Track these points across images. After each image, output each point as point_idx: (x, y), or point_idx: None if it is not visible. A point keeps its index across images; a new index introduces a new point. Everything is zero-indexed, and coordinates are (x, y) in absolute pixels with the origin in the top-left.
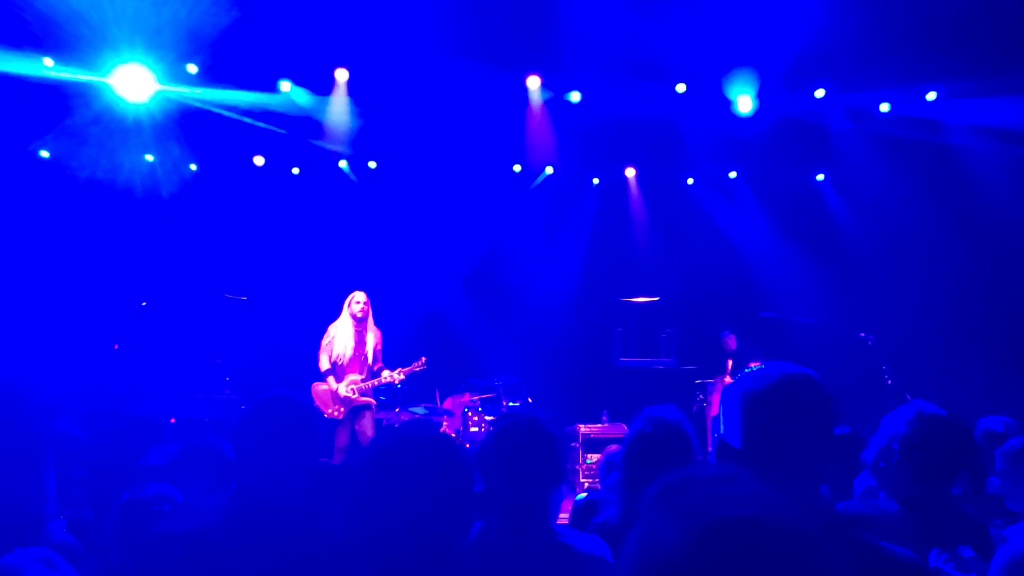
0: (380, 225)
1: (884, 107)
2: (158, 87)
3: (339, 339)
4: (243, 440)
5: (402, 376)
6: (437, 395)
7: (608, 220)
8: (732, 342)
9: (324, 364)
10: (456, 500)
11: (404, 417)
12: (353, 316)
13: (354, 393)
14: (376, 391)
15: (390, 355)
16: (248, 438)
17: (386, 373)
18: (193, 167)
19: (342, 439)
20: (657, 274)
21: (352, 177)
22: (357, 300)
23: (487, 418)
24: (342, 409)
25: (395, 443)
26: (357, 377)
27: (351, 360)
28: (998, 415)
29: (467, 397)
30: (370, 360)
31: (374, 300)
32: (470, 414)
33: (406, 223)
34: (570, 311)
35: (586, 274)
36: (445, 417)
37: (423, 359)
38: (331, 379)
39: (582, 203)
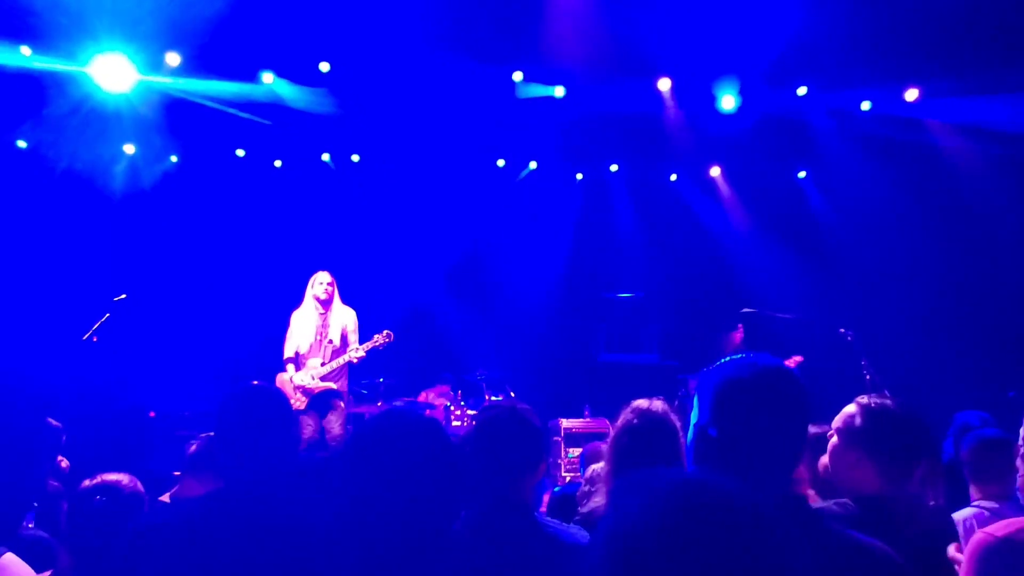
0: (362, 218)
1: (865, 105)
2: (138, 77)
3: (300, 325)
4: (224, 432)
5: (362, 353)
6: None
7: (592, 216)
8: (738, 336)
9: (287, 352)
10: (445, 486)
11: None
12: (316, 299)
13: (312, 379)
14: (361, 386)
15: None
16: (228, 430)
17: (348, 353)
18: (174, 158)
19: (306, 431)
20: (640, 270)
21: (333, 167)
22: (320, 281)
23: (469, 412)
24: (302, 399)
25: (380, 428)
26: (317, 362)
27: (313, 346)
28: (975, 410)
29: (447, 389)
30: (337, 343)
31: (355, 293)
32: (452, 408)
33: (389, 216)
34: (553, 306)
35: (570, 269)
36: (427, 411)
37: (386, 332)
38: (290, 367)
39: (566, 198)
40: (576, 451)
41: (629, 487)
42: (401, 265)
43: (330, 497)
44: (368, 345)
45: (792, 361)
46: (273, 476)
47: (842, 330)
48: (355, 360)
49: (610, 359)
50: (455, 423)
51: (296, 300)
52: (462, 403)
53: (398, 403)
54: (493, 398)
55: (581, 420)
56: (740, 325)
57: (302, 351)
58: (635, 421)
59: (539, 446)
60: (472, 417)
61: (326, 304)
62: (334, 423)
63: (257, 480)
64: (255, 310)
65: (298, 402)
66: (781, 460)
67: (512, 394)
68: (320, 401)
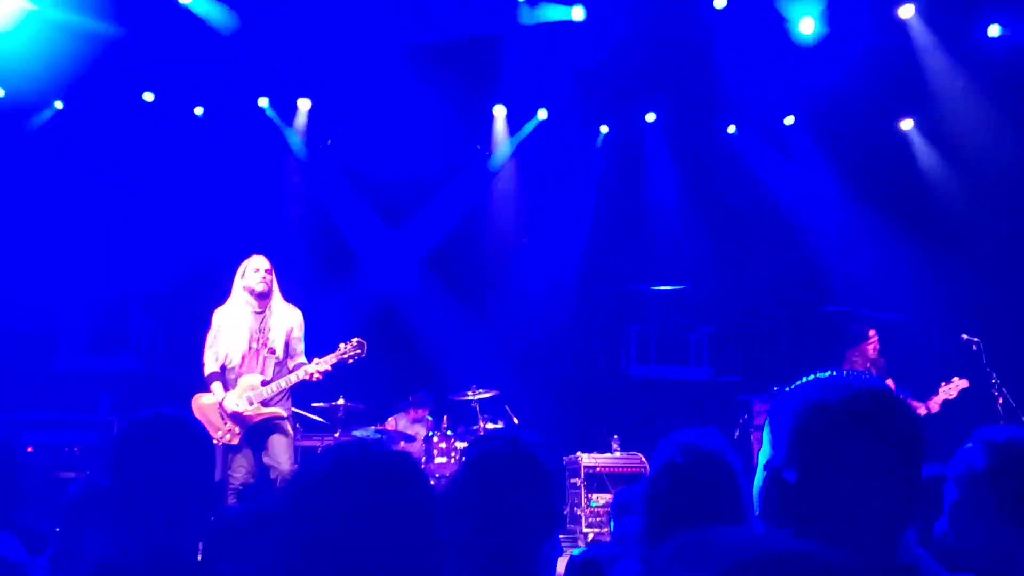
0: (313, 187)
1: (994, 30)
2: (26, 6)
3: (228, 328)
4: (120, 476)
5: (325, 368)
6: (428, 421)
7: (620, 183)
8: (871, 348)
9: (209, 366)
10: (421, 548)
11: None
12: (249, 291)
13: (251, 404)
14: (311, 410)
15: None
16: (125, 474)
17: (305, 368)
18: (59, 104)
19: (238, 473)
20: (685, 254)
21: (275, 118)
22: (255, 267)
23: (458, 444)
24: (236, 430)
25: (333, 469)
26: (256, 379)
27: (247, 357)
28: None
29: (425, 414)
30: (280, 353)
31: (301, 287)
32: (436, 439)
33: (348, 185)
34: (568, 304)
35: (590, 254)
36: (402, 442)
37: (357, 341)
38: (216, 386)
39: (585, 159)
40: (602, 498)
41: (679, 557)
42: (364, 250)
43: (265, 568)
44: (333, 358)
45: (952, 388)
46: (185, 539)
47: (966, 336)
48: (314, 377)
49: (645, 374)
50: (438, 460)
51: (220, 294)
52: (448, 433)
53: (359, 433)
54: (489, 426)
55: (608, 456)
56: (873, 332)
57: (232, 363)
58: (679, 459)
59: (551, 492)
60: (461, 452)
61: (263, 299)
62: (281, 460)
63: (163, 545)
64: (165, 307)
65: (228, 434)
66: (886, 518)
67: (515, 421)
68: (259, 432)
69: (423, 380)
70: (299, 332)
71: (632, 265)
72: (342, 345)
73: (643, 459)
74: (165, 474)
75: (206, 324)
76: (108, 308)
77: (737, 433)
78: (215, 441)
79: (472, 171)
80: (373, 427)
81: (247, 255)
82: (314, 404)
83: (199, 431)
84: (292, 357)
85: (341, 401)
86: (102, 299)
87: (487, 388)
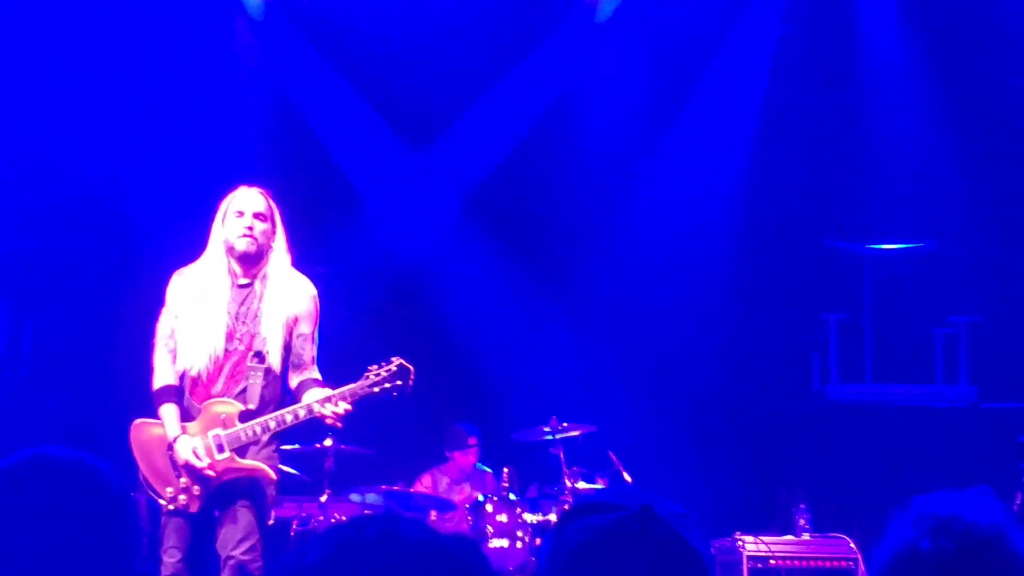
0: (287, 81)
1: None
2: None
3: (194, 309)
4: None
5: (345, 405)
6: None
7: (812, 69)
8: None
9: (161, 373)
10: None
11: (342, 518)
12: (228, 249)
13: (220, 450)
14: (288, 455)
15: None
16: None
17: (312, 406)
18: None
19: (170, 560)
20: (928, 195)
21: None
22: (239, 207)
23: (528, 517)
24: (196, 491)
25: (339, 569)
26: (233, 408)
27: (222, 362)
28: None
29: (469, 461)
30: (273, 360)
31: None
32: (490, 508)
33: (338, 74)
34: (716, 278)
35: (754, 191)
36: (433, 514)
37: (399, 365)
38: (168, 412)
39: (753, 27)
40: None
41: None
42: (372, 190)
43: None
44: (349, 392)
45: None
46: None
47: None
48: (328, 421)
49: (854, 397)
50: (494, 543)
51: (141, 260)
52: (511, 497)
53: (360, 498)
54: (583, 485)
55: (790, 540)
56: None
57: (196, 371)
58: (927, 545)
59: None
60: (535, 532)
61: (249, 263)
62: (238, 547)
63: None
64: (36, 279)
65: (182, 495)
66: None
67: (626, 477)
68: (220, 497)
69: (467, 408)
70: (308, 325)
71: (831, 208)
72: (372, 369)
73: (852, 546)
74: (54, 563)
75: (106, 309)
76: None
77: (1021, 498)
78: (164, 504)
79: (549, 48)
80: (383, 487)
81: (171, 193)
82: (284, 447)
83: (114, 485)
84: (297, 368)
85: (329, 442)
86: None
87: (577, 422)
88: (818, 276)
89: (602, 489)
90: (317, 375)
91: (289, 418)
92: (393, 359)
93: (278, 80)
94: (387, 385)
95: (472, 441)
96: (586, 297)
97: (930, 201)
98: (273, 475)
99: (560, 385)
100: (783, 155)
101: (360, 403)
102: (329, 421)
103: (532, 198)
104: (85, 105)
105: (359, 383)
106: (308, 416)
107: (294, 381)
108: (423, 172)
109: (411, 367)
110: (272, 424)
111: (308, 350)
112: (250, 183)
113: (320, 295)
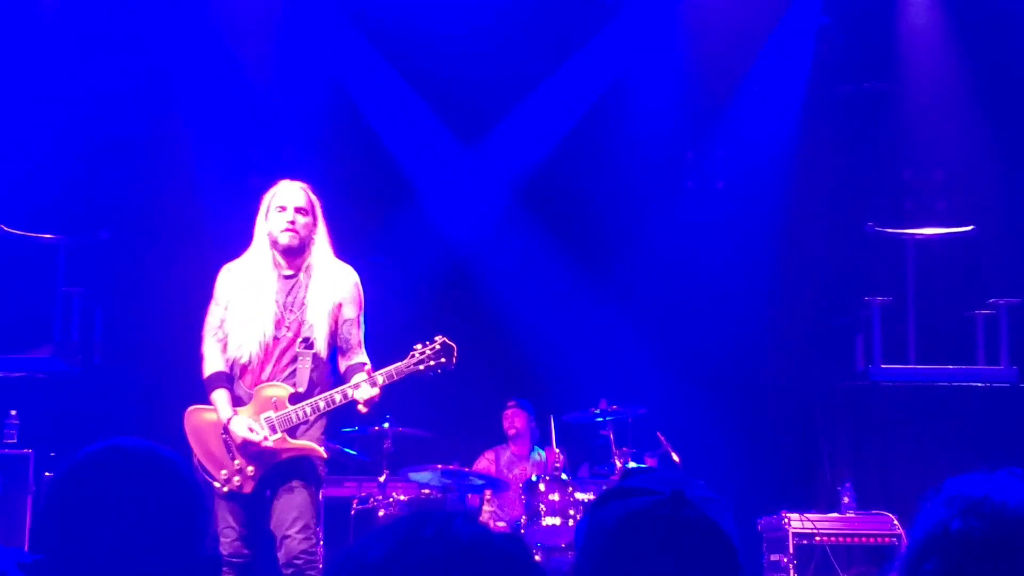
0: (342, 73)
1: None
2: None
3: (243, 300)
4: (56, 552)
5: (382, 381)
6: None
7: (848, 66)
8: None
9: (211, 362)
10: None
11: (400, 497)
12: (272, 242)
13: (273, 431)
14: (342, 438)
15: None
16: (63, 548)
17: (346, 389)
18: None
19: (226, 540)
20: (968, 178)
21: None
22: (282, 203)
23: (579, 496)
24: (250, 471)
25: (397, 567)
26: (283, 391)
27: (272, 349)
28: None
29: (523, 441)
30: (320, 346)
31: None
32: (542, 487)
33: (388, 65)
34: (762, 261)
35: (800, 176)
36: (488, 493)
37: (442, 343)
38: (220, 397)
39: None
40: None
41: None
42: (425, 178)
43: None
44: (395, 370)
45: None
46: None
47: None
48: (361, 407)
49: (898, 378)
50: (546, 521)
51: (200, 250)
52: (562, 477)
53: (418, 477)
54: (632, 465)
55: (835, 518)
56: None
57: (246, 359)
58: (958, 524)
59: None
60: (586, 506)
61: (293, 256)
62: (293, 527)
63: None
64: (106, 272)
65: (237, 476)
66: None
67: (675, 457)
68: (274, 478)
69: (520, 391)
70: (353, 310)
71: (873, 194)
72: (417, 348)
73: (895, 522)
74: (129, 546)
75: (185, 293)
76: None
77: None
78: (219, 487)
79: (598, 40)
80: (439, 466)
81: (234, 184)
82: (344, 429)
83: (184, 473)
84: (345, 353)
85: (387, 424)
86: (5, 261)
87: (626, 404)
88: (861, 261)
89: (635, 474)
90: (365, 359)
91: (338, 398)
92: (436, 338)
93: (337, 77)
94: (431, 363)
95: (520, 414)
96: (634, 282)
97: (970, 186)
98: (324, 453)
99: (610, 368)
100: (826, 143)
101: (412, 383)
102: (360, 408)
103: (581, 186)
104: (153, 98)
105: (404, 362)
106: (352, 398)
107: (343, 366)
108: (475, 163)
109: (454, 345)
110: (322, 404)
111: (355, 334)
112: (293, 177)
113: (378, 284)
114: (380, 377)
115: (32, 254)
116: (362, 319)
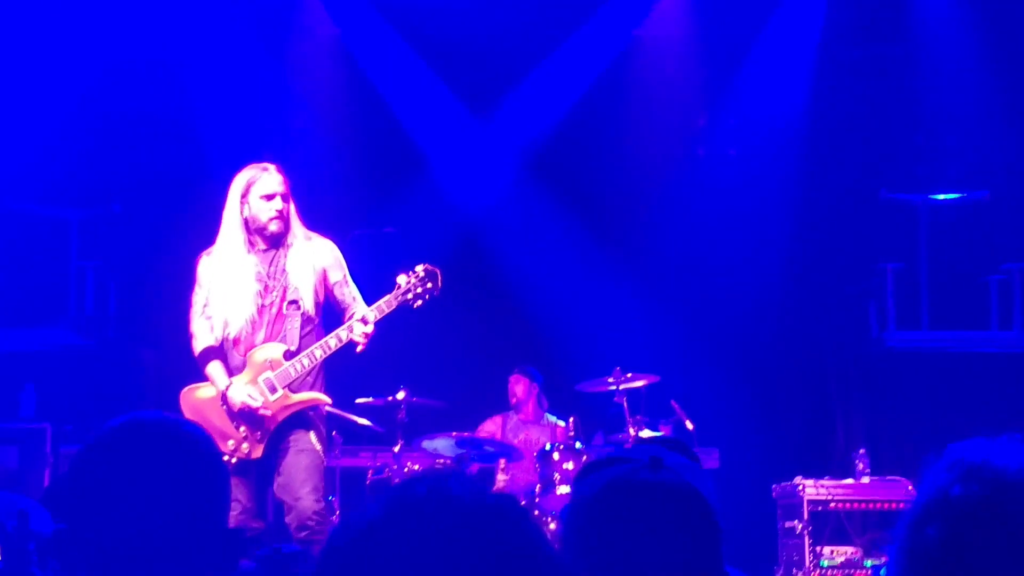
0: (348, 42)
1: None
2: None
3: (224, 283)
4: (82, 523)
5: (370, 321)
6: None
7: (860, 30)
8: None
9: (201, 339)
10: None
11: (415, 467)
12: (258, 231)
13: (272, 390)
14: (355, 408)
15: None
16: (90, 520)
17: (339, 331)
18: None
19: (236, 511)
20: (979, 149)
21: None
22: (264, 190)
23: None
24: (257, 435)
25: (386, 538)
26: (277, 349)
27: (260, 316)
28: None
29: (528, 410)
30: (308, 305)
31: (340, 212)
32: (557, 456)
33: (398, 35)
34: (775, 227)
35: (809, 149)
36: (502, 462)
37: (424, 269)
38: (215, 369)
39: None
40: (840, 553)
41: None
42: (436, 148)
43: None
44: (385, 304)
45: None
46: None
47: None
48: (359, 341)
49: (911, 345)
50: (560, 490)
51: (211, 220)
52: (576, 446)
53: (432, 445)
54: (647, 434)
55: (849, 483)
56: None
57: (235, 332)
58: (958, 490)
59: (716, 547)
60: (591, 474)
61: (276, 241)
62: (302, 490)
63: None
64: (120, 245)
65: (245, 443)
66: None
67: (688, 425)
68: (277, 440)
69: (533, 360)
70: (338, 272)
71: (886, 160)
72: (401, 278)
73: (910, 488)
74: (155, 517)
75: (190, 271)
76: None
77: None
78: (227, 458)
79: (608, 8)
80: (454, 434)
81: (245, 158)
82: (359, 400)
83: (206, 445)
84: (345, 312)
85: (402, 395)
86: (20, 236)
87: (640, 373)
88: (875, 227)
89: (659, 438)
90: (365, 309)
91: (333, 343)
92: (418, 266)
93: (346, 48)
94: (419, 289)
95: (528, 382)
96: (647, 250)
97: (984, 152)
98: (328, 400)
99: (623, 336)
100: (839, 109)
101: (427, 356)
102: (359, 347)
103: (592, 154)
104: (165, 72)
105: (392, 294)
106: (348, 339)
107: (347, 318)
108: (486, 132)
109: (437, 270)
110: (318, 353)
111: (348, 292)
112: (270, 160)
113: (389, 254)
114: (371, 314)
115: (46, 228)
116: (350, 278)
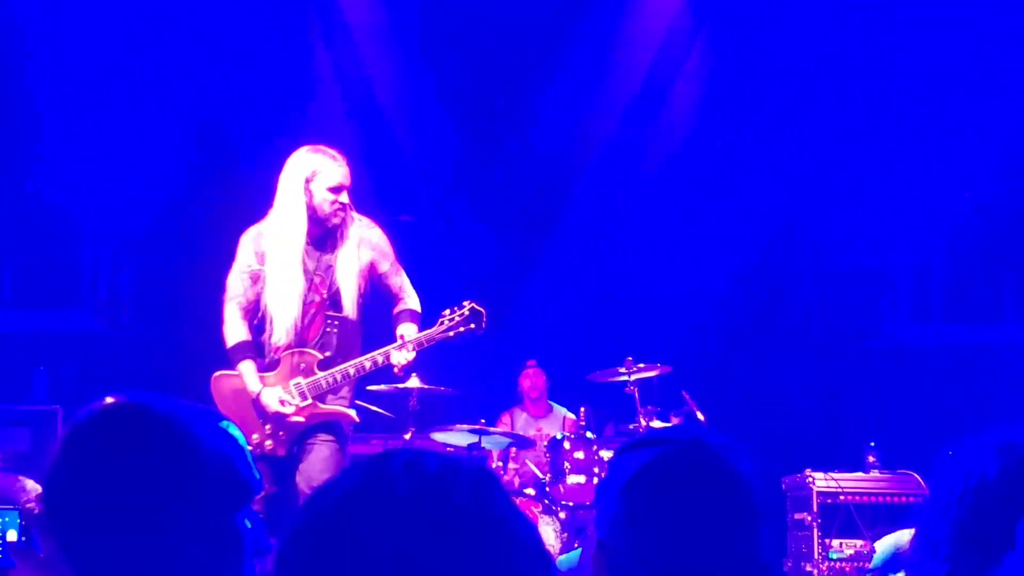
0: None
1: None
2: None
3: (274, 267)
4: (64, 506)
5: (408, 355)
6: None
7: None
8: None
9: (234, 330)
10: None
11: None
12: (324, 219)
13: (304, 398)
14: (385, 400)
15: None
16: (73, 502)
17: (375, 356)
18: None
19: (267, 488)
20: (993, 145)
21: None
22: (331, 182)
23: (604, 454)
24: (282, 435)
25: (351, 506)
26: (311, 357)
27: (303, 312)
28: None
29: (540, 402)
30: (350, 309)
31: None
32: (567, 445)
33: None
34: (784, 221)
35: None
36: (513, 451)
37: (470, 308)
38: (247, 368)
39: None
40: (850, 546)
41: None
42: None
43: None
44: (426, 338)
45: None
46: None
47: None
48: (400, 365)
49: (925, 339)
50: (571, 479)
51: (226, 212)
52: (588, 435)
53: (442, 437)
54: (657, 424)
55: (859, 477)
56: None
57: (276, 321)
58: (995, 470)
59: (756, 527)
60: (608, 461)
61: (330, 234)
62: (323, 480)
63: None
64: (135, 233)
65: (270, 440)
66: None
67: (699, 416)
68: (308, 438)
69: (545, 349)
70: (386, 263)
71: (899, 139)
72: (446, 314)
73: (920, 482)
74: (134, 503)
75: (212, 251)
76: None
77: None
78: (252, 449)
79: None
80: (466, 426)
81: (262, 141)
82: (370, 387)
83: (182, 430)
84: (393, 301)
85: (414, 382)
86: (35, 222)
87: (651, 363)
88: (888, 212)
89: (670, 428)
90: (413, 304)
91: (368, 365)
92: (465, 303)
93: (367, 39)
94: (461, 329)
95: (531, 371)
96: (658, 241)
97: (998, 147)
98: (355, 417)
99: (634, 327)
100: (850, 108)
101: (439, 345)
102: (396, 369)
103: (604, 146)
104: (183, 57)
105: (434, 328)
106: (384, 364)
107: (394, 311)
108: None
109: (483, 310)
110: (351, 371)
111: (396, 282)
112: (335, 147)
113: (406, 242)
114: (410, 345)
115: (60, 212)
116: (398, 265)
